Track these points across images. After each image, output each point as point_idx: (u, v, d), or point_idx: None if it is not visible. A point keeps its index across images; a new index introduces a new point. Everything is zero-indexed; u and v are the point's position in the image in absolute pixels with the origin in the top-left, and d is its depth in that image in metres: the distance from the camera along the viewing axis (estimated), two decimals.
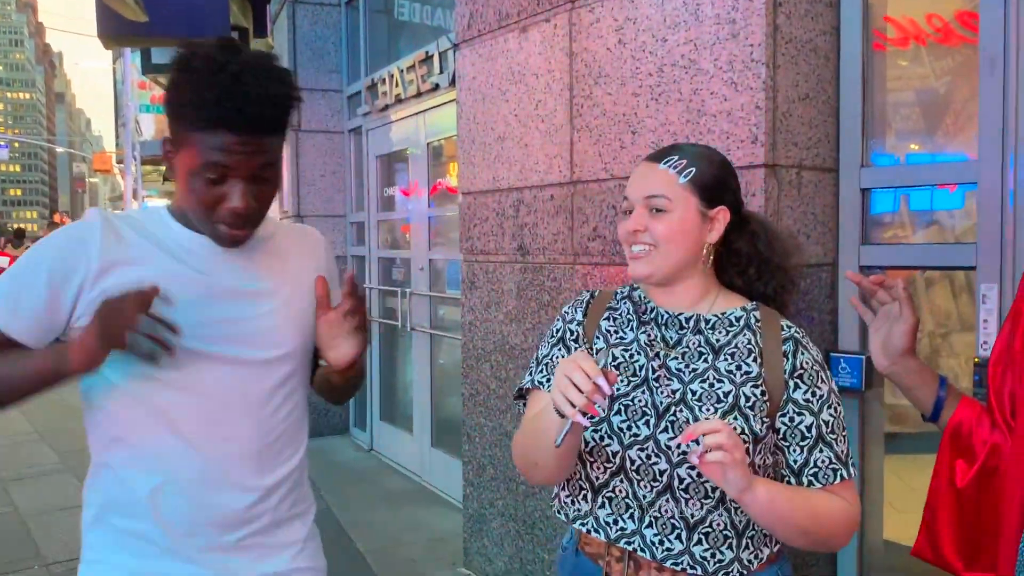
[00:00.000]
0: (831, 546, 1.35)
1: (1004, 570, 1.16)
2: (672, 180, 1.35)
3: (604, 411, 1.32)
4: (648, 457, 1.31)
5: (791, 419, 1.31)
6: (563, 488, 1.44)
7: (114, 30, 6.12)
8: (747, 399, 1.30)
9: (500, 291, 3.16)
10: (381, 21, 5.91)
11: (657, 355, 1.37)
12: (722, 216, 1.37)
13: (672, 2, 2.34)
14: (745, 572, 1.31)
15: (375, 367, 5.89)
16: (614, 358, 1.39)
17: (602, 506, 1.36)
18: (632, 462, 1.32)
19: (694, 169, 1.36)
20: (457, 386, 3.69)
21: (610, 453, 1.34)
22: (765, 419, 1.30)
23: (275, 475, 1.42)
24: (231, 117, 1.22)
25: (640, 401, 1.34)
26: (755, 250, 1.42)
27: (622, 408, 1.34)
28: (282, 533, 1.46)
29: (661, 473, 1.31)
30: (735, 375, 1.32)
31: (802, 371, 1.33)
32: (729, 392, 1.31)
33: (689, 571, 1.30)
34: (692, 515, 1.30)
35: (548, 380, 1.42)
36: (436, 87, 4.61)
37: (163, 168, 23.66)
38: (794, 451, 1.31)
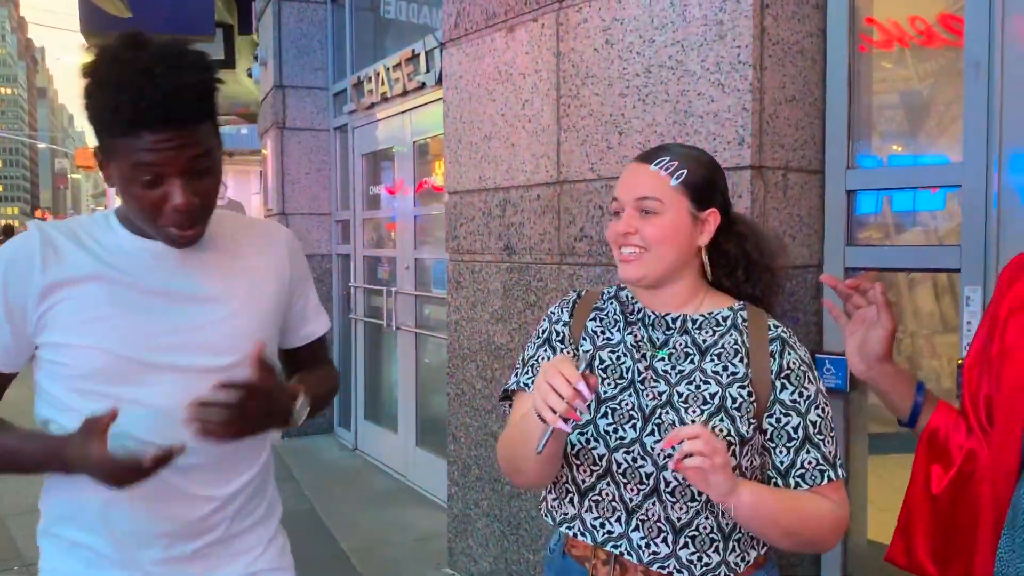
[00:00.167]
0: (819, 548, 1.36)
1: None
2: (664, 182, 1.34)
3: (585, 415, 1.31)
4: (634, 460, 1.31)
5: (778, 420, 1.31)
6: (550, 491, 1.43)
7: (97, 26, 6.08)
8: (733, 400, 1.30)
9: (486, 291, 3.15)
10: (367, 19, 5.89)
11: (644, 356, 1.36)
12: (712, 218, 1.37)
13: (659, 3, 2.34)
14: (732, 575, 1.31)
15: (360, 366, 5.87)
16: (601, 360, 1.38)
17: (588, 509, 1.36)
18: (618, 465, 1.32)
19: (685, 171, 1.35)
20: (442, 385, 3.68)
21: (596, 456, 1.33)
22: (752, 420, 1.30)
23: (233, 485, 1.39)
24: (148, 115, 1.17)
25: (626, 404, 1.33)
26: (743, 252, 1.42)
27: (609, 411, 1.34)
28: (241, 541, 1.42)
29: (647, 476, 1.30)
30: (721, 376, 1.32)
31: (789, 371, 1.32)
32: (715, 393, 1.31)
33: (676, 575, 1.30)
34: (679, 518, 1.30)
35: (534, 381, 1.42)
36: (422, 86, 4.59)
37: None
38: (781, 452, 1.31)
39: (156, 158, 1.19)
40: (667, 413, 1.31)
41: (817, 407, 1.32)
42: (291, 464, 5.36)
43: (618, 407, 1.34)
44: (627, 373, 1.36)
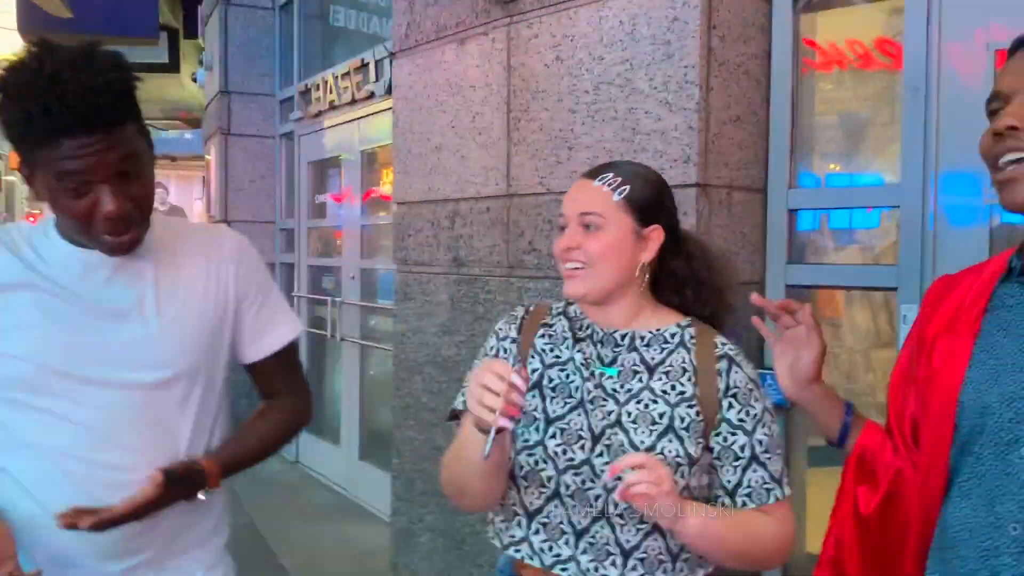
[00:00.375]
0: (765, 566, 1.37)
1: None
2: (606, 197, 1.34)
3: (525, 407, 1.27)
4: (583, 482, 1.30)
5: (725, 439, 1.32)
6: (497, 513, 1.41)
7: (36, 25, 5.90)
8: (682, 420, 1.30)
9: (434, 302, 3.13)
10: (315, 26, 5.83)
11: (592, 374, 1.36)
12: (656, 235, 1.37)
13: (609, 21, 2.36)
14: None
15: None
16: (550, 379, 1.37)
17: (536, 532, 1.34)
18: (567, 487, 1.31)
19: (629, 187, 1.35)
20: (387, 398, 3.64)
21: (544, 478, 1.32)
22: (700, 440, 1.31)
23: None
24: (62, 121, 1.13)
25: (576, 424, 1.33)
26: (691, 271, 1.42)
27: (558, 431, 1.33)
28: (174, 563, 1.37)
29: (596, 499, 1.29)
30: (670, 395, 1.32)
31: (736, 390, 1.33)
32: (664, 413, 1.31)
33: None
34: (627, 541, 1.29)
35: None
36: (372, 95, 4.56)
37: None
38: (728, 471, 1.31)
39: (78, 165, 1.15)
40: (616, 434, 1.30)
41: (764, 426, 1.33)
42: (230, 477, 5.23)
43: (567, 427, 1.33)
44: (576, 392, 1.35)
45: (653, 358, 1.36)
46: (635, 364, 1.35)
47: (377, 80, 4.47)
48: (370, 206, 4.93)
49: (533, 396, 1.37)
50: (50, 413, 1.25)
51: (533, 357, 1.41)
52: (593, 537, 1.30)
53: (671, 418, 1.30)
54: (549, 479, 1.32)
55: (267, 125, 6.05)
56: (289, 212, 5.95)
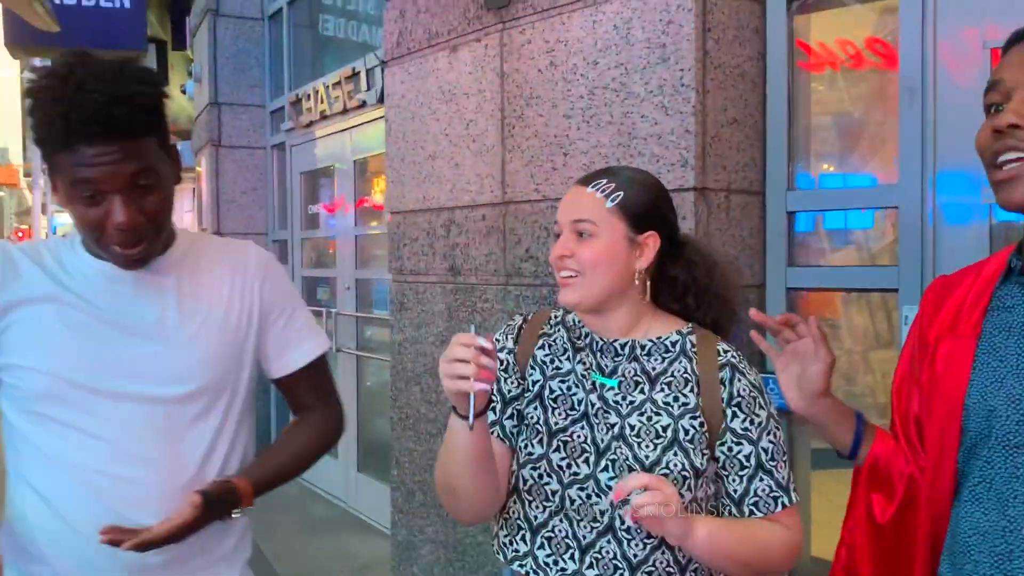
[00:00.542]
0: (773, 574, 1.35)
1: None
2: (599, 204, 1.32)
3: (497, 369, 1.25)
4: (588, 496, 1.28)
5: (730, 448, 1.30)
6: (501, 527, 1.38)
7: (23, 39, 5.88)
8: (686, 432, 1.28)
9: (431, 312, 3.11)
10: (305, 36, 5.82)
11: (594, 385, 1.33)
12: (652, 242, 1.34)
13: (603, 26, 2.35)
14: None
15: None
16: (551, 391, 1.35)
17: (541, 547, 1.32)
18: (572, 501, 1.29)
19: (622, 193, 1.32)
20: (384, 409, 3.61)
21: (549, 492, 1.30)
22: (705, 451, 1.29)
23: None
24: (82, 128, 1.14)
25: (579, 437, 1.30)
26: (692, 278, 1.40)
27: (560, 444, 1.30)
28: None
29: (602, 513, 1.27)
30: (673, 407, 1.30)
31: (740, 399, 1.31)
32: (668, 426, 1.28)
33: None
34: (635, 555, 1.27)
35: None
36: (363, 104, 4.55)
37: None
38: (734, 481, 1.29)
39: (93, 173, 1.16)
40: (620, 448, 1.28)
41: (769, 433, 1.31)
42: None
43: (570, 439, 1.31)
44: (579, 405, 1.33)
45: (654, 368, 1.33)
46: (636, 375, 1.33)
47: (368, 89, 4.45)
48: (364, 216, 4.91)
49: (535, 408, 1.35)
50: (73, 427, 1.26)
51: (533, 368, 1.38)
52: (599, 552, 1.28)
53: (675, 431, 1.28)
54: (553, 493, 1.30)
55: (258, 136, 6.02)
56: (282, 223, 5.92)
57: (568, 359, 1.37)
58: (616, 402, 1.31)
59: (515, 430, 1.36)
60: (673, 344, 1.35)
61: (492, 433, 1.35)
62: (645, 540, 1.26)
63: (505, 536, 1.37)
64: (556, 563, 1.30)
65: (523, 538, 1.34)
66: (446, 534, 3.05)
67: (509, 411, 1.37)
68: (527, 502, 1.33)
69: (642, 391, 1.32)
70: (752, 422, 1.30)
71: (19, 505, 1.31)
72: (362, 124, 4.70)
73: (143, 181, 1.20)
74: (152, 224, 1.23)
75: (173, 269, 1.34)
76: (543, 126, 2.56)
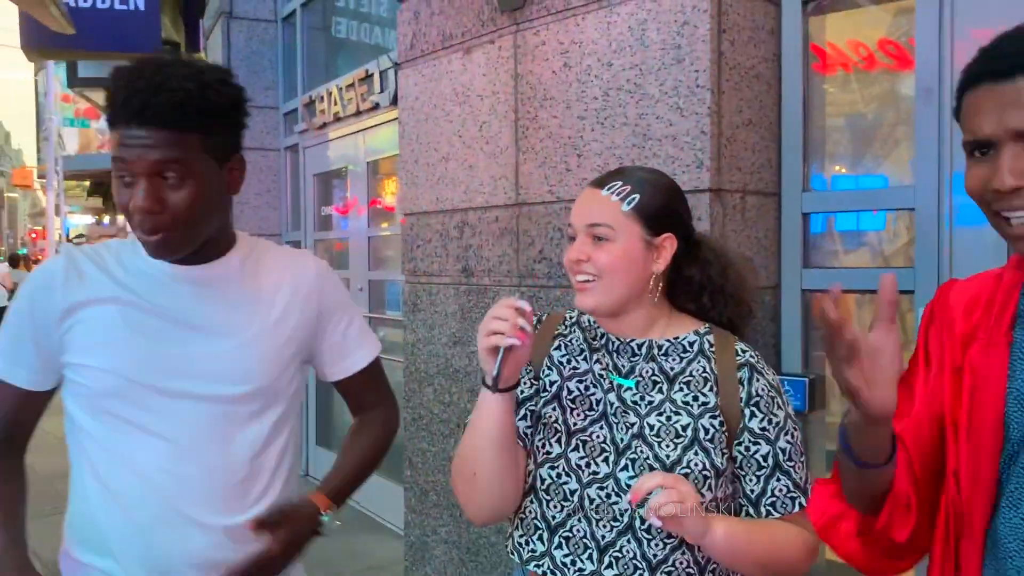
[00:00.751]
0: (790, 575, 1.35)
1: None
2: (615, 208, 1.31)
3: (531, 336, 1.25)
4: (608, 496, 1.28)
5: (747, 448, 1.30)
6: (516, 527, 1.38)
7: (39, 42, 5.92)
8: (706, 432, 1.28)
9: (444, 313, 3.12)
10: (318, 38, 5.84)
11: (612, 385, 1.33)
12: (668, 244, 1.33)
13: (617, 27, 2.35)
14: None
15: (311, 390, 5.76)
16: (569, 391, 1.35)
17: (559, 546, 1.31)
18: (591, 501, 1.28)
19: (638, 196, 1.31)
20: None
21: (568, 491, 1.30)
22: (724, 450, 1.29)
23: (240, 517, 1.34)
24: (123, 110, 1.20)
25: (598, 436, 1.30)
26: (707, 277, 1.39)
27: (579, 444, 1.30)
28: None
29: (622, 513, 1.27)
30: (692, 406, 1.30)
31: (758, 398, 1.31)
32: (687, 425, 1.28)
33: None
34: (655, 555, 1.26)
35: None
36: (376, 106, 4.56)
37: (87, 183, 22.83)
38: (751, 480, 1.29)
39: (124, 153, 1.21)
40: (640, 447, 1.28)
41: (786, 433, 1.31)
42: None
43: (589, 439, 1.31)
44: (598, 404, 1.33)
45: (672, 368, 1.33)
46: (654, 374, 1.33)
47: (382, 91, 4.46)
48: (377, 217, 4.92)
49: (553, 408, 1.35)
50: (134, 424, 1.29)
51: (550, 369, 1.38)
52: (619, 551, 1.27)
53: (695, 430, 1.28)
54: (572, 492, 1.30)
55: (271, 138, 6.05)
56: (295, 225, 5.94)
57: (585, 359, 1.37)
58: (634, 402, 1.31)
59: (529, 431, 1.36)
60: (691, 344, 1.35)
61: None
62: (665, 540, 1.26)
63: (521, 536, 1.37)
64: (574, 563, 1.30)
65: (540, 538, 1.33)
66: (459, 535, 3.05)
67: (522, 412, 1.37)
68: (545, 501, 1.32)
69: (660, 391, 1.32)
70: (770, 422, 1.30)
71: (83, 498, 1.34)
72: (375, 126, 4.71)
73: (170, 172, 1.22)
74: (171, 217, 1.24)
75: (234, 272, 1.37)
76: (557, 127, 2.57)
